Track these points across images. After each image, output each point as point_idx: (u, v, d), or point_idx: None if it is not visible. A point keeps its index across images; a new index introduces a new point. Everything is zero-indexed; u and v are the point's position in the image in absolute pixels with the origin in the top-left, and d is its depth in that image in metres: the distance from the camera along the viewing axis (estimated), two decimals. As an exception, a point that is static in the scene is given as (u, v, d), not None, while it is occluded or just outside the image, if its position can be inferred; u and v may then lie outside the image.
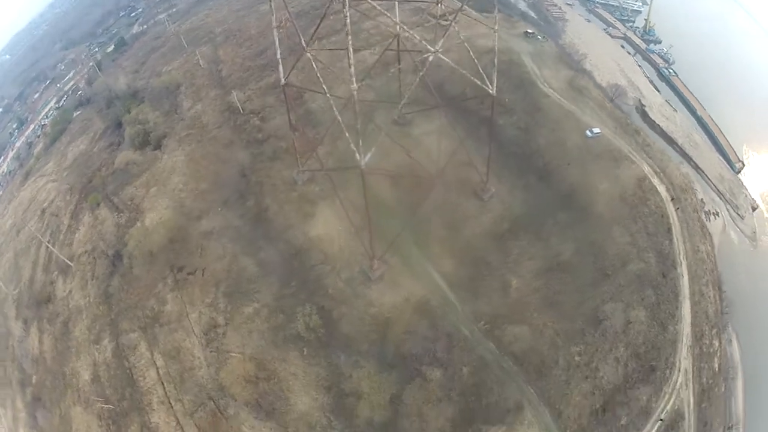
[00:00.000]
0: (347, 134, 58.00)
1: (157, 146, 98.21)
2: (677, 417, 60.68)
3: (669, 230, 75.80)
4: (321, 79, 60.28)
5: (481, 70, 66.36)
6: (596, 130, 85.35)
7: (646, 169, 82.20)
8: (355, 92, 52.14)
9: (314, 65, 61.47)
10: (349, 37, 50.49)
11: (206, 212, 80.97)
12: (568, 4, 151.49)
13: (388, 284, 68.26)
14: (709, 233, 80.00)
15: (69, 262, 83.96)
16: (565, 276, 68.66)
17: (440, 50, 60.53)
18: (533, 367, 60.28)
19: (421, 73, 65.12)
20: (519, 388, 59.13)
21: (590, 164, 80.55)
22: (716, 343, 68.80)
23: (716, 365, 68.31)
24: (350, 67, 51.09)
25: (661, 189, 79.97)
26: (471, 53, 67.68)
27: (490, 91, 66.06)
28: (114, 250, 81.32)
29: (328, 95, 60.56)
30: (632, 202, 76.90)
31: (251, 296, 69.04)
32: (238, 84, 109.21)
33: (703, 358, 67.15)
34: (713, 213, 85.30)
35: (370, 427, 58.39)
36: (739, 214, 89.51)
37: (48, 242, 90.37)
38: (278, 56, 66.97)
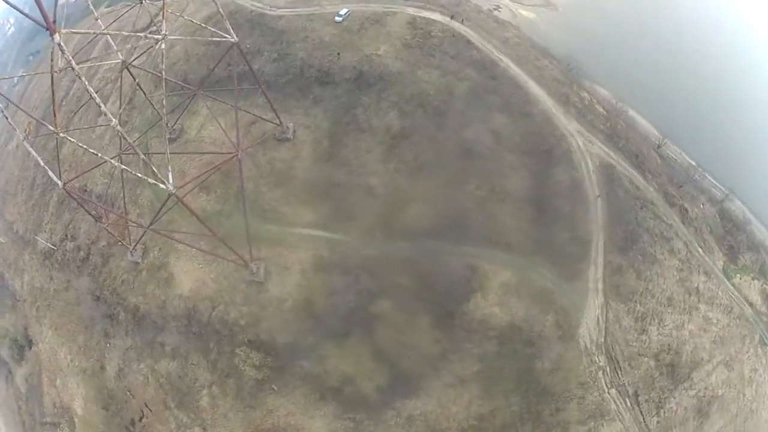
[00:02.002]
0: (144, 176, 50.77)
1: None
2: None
3: (469, 42, 74.68)
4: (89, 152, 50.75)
5: (212, 29, 59.89)
6: (344, 11, 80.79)
7: (411, 11, 78.82)
8: (118, 127, 46.02)
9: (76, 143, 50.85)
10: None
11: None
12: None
13: (277, 271, 62.76)
14: (507, 22, 79.06)
15: None
16: (412, 140, 64.85)
17: (167, 34, 51.45)
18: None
19: (162, 66, 54.18)
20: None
21: (359, 40, 76.01)
22: (585, 94, 67.95)
23: (601, 110, 65.05)
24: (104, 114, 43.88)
25: (435, 16, 77.53)
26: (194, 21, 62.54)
27: (232, 40, 58.96)
28: None
29: (109, 161, 52.34)
30: (418, 43, 74.17)
31: (197, 392, 61.90)
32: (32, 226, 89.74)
33: (586, 113, 63.93)
34: (496, 9, 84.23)
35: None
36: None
37: None
38: (42, 164, 54.70)
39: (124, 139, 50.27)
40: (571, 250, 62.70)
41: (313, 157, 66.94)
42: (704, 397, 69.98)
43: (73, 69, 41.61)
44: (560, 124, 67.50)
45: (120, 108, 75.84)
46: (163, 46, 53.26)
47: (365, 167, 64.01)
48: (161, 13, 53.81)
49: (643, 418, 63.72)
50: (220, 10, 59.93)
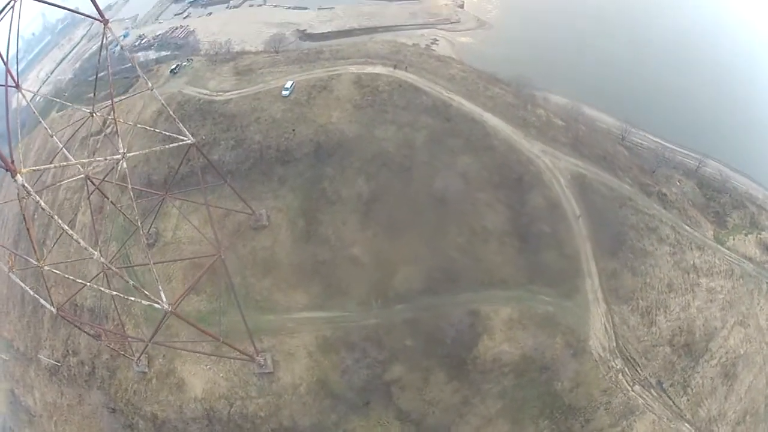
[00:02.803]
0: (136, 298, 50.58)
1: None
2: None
3: (417, 88, 77.04)
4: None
5: (168, 133, 61.98)
6: (288, 83, 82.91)
7: (354, 69, 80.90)
8: (102, 260, 46.79)
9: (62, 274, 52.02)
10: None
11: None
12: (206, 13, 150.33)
13: (284, 358, 63.43)
14: (449, 58, 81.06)
15: None
16: (384, 202, 66.86)
17: (126, 152, 52.97)
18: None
19: (129, 186, 55.71)
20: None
21: (310, 111, 77.56)
22: (541, 111, 70.81)
23: (559, 122, 67.12)
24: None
25: (379, 69, 80.00)
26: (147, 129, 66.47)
27: (189, 141, 60.60)
28: None
29: (101, 288, 53.28)
30: (368, 102, 75.87)
31: None
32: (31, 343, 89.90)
33: (546, 130, 67.35)
34: (433, 42, 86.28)
35: None
36: (453, 22, 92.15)
37: None
38: (32, 294, 54.75)
39: (111, 269, 50.17)
40: (563, 268, 64.53)
41: (291, 239, 68.43)
42: (727, 361, 71.83)
43: (42, 209, 41.88)
44: (523, 148, 69.85)
45: (93, 220, 75.58)
46: (124, 165, 53.93)
47: (345, 239, 65.62)
48: (113, 121, 55.16)
49: (672, 401, 65.43)
50: (171, 112, 62.38)
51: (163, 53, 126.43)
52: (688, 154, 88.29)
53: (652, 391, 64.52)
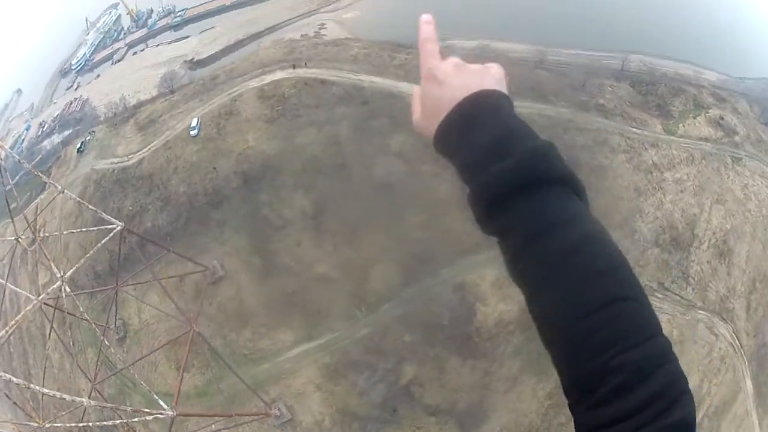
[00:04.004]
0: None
1: None
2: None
3: (323, 81, 74.14)
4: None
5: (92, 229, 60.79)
6: (194, 121, 78.67)
7: (253, 83, 77.34)
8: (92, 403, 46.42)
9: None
10: None
11: None
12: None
13: (297, 400, 60.43)
14: (345, 39, 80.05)
15: None
16: (332, 210, 64.25)
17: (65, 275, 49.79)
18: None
19: (79, 308, 52.95)
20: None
21: (224, 143, 74.08)
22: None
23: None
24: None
25: (278, 74, 77.44)
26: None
27: (118, 226, 57.05)
28: None
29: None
30: (279, 112, 72.74)
31: None
32: None
33: None
34: (321, 28, 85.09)
35: None
36: (334, 1, 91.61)
37: None
38: None
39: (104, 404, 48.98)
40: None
41: (253, 281, 65.21)
42: (717, 241, 73.07)
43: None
44: (449, 107, 68.00)
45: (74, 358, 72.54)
46: (67, 288, 52.94)
47: (305, 261, 62.59)
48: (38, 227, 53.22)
49: (679, 296, 66.22)
50: (90, 206, 58.16)
51: (66, 132, 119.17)
52: (608, 55, 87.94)
53: (657, 294, 64.68)
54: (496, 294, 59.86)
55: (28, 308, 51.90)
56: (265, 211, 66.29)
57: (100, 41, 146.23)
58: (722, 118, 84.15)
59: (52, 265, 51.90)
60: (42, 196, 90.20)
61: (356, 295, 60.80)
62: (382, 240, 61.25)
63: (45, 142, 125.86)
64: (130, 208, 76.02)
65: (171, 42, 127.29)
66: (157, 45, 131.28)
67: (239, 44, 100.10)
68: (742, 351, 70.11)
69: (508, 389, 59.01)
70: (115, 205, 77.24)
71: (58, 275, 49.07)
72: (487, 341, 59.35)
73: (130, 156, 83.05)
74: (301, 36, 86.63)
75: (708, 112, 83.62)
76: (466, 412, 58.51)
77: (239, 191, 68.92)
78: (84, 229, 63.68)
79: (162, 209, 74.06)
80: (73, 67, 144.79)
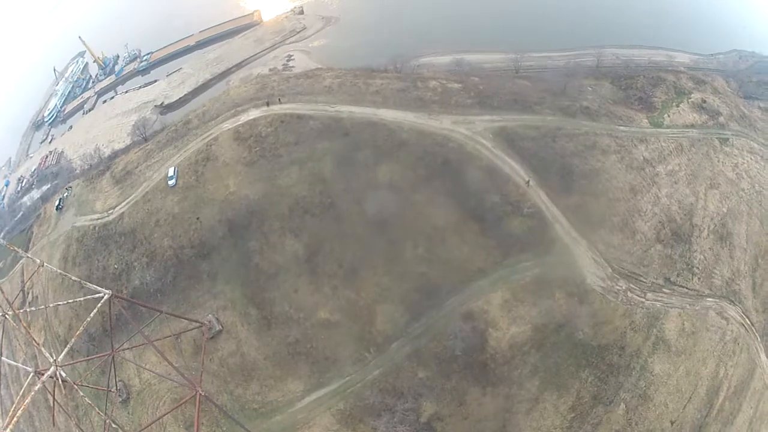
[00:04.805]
0: None
1: None
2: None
3: (300, 117, 72.30)
4: None
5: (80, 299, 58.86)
6: (171, 171, 76.30)
7: (228, 125, 76.50)
8: None
9: None
10: None
11: None
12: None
13: None
14: (317, 70, 78.74)
15: None
16: (326, 251, 62.62)
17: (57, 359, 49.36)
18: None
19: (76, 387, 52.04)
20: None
21: (205, 190, 71.94)
22: (433, 83, 69.00)
23: (456, 85, 65.47)
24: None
25: (253, 113, 75.58)
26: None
27: (106, 294, 54.69)
28: None
29: None
30: (258, 153, 71.44)
31: None
32: None
33: (447, 100, 65.56)
34: (289, 60, 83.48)
35: None
36: (300, 31, 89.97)
37: None
38: None
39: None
40: (529, 227, 62.29)
41: (253, 333, 62.89)
42: (716, 226, 72.50)
43: None
44: (434, 129, 66.04)
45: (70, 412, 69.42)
46: (62, 374, 50.99)
47: (305, 307, 60.43)
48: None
49: (686, 287, 66.36)
50: (74, 278, 56.06)
51: (45, 187, 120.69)
52: (582, 53, 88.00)
53: (664, 290, 64.52)
54: (506, 317, 58.50)
55: (29, 396, 50.36)
56: (256, 258, 63.70)
57: (69, 91, 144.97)
58: (704, 101, 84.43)
59: (44, 350, 50.43)
60: (29, 253, 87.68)
61: (363, 337, 58.49)
62: (382, 278, 59.04)
63: (25, 198, 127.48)
64: (116, 266, 73.40)
65: (140, 87, 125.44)
66: (126, 92, 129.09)
67: (208, 84, 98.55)
68: (753, 329, 69.78)
69: (531, 409, 57.73)
70: (100, 263, 74.42)
71: (51, 360, 48.25)
72: (503, 365, 57.61)
73: (110, 211, 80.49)
74: (270, 70, 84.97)
75: (690, 98, 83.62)
76: (494, 437, 56.88)
77: (227, 240, 66.28)
78: (71, 300, 61.36)
79: (148, 265, 71.29)
80: (45, 120, 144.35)
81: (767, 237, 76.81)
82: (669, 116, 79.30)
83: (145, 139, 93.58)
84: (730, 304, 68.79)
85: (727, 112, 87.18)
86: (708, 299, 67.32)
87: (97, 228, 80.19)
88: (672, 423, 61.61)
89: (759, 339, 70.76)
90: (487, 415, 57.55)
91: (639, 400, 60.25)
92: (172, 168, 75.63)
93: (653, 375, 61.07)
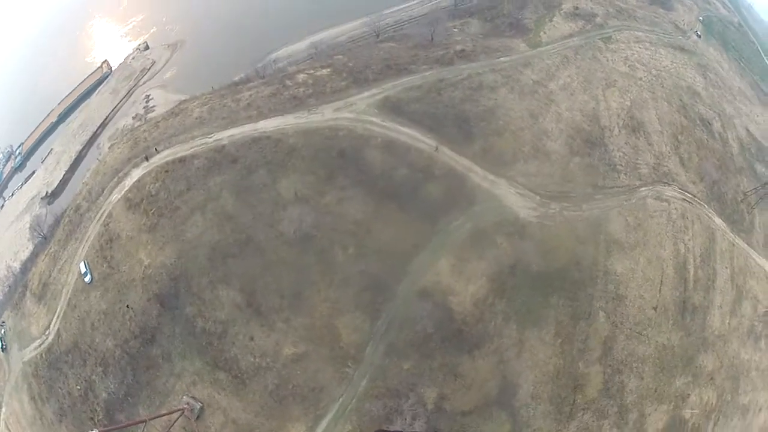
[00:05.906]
0: None
1: None
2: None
3: (182, 160, 68.89)
4: None
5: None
6: (82, 268, 71.97)
7: (115, 196, 72.32)
8: None
9: None
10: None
11: None
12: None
13: None
14: (177, 103, 75.48)
15: None
16: (265, 283, 60.05)
17: None
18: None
19: None
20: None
21: (118, 273, 68.33)
22: (302, 76, 65.00)
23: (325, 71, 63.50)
24: None
25: (135, 173, 71.49)
26: None
27: None
28: None
29: None
30: (155, 214, 67.56)
31: None
32: None
33: (325, 91, 65.81)
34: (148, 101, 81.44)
35: None
36: (150, 67, 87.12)
37: None
38: None
39: None
40: (448, 186, 63.10)
41: (233, 398, 60.89)
42: (624, 120, 75.55)
43: None
44: (319, 124, 64.45)
45: None
46: None
47: (269, 350, 59.38)
48: None
49: (616, 186, 69.66)
50: None
51: None
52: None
53: (596, 196, 68.26)
54: (459, 280, 58.17)
55: None
56: (199, 323, 60.44)
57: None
58: (577, 8, 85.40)
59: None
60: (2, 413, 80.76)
61: (336, 355, 57.32)
62: (328, 291, 57.21)
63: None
64: (78, 387, 68.88)
65: (22, 185, 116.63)
66: (12, 194, 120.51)
67: (81, 155, 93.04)
68: (696, 199, 73.32)
69: (519, 351, 59.79)
70: (63, 390, 69.39)
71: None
72: (477, 325, 58.48)
73: (46, 332, 75.64)
74: (134, 118, 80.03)
75: (561, 9, 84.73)
76: (499, 394, 58.96)
77: (163, 316, 62.78)
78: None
79: (105, 373, 67.19)
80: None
81: (679, 114, 79.28)
82: (545, 33, 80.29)
83: (45, 238, 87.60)
84: (664, 186, 71.62)
85: (603, 11, 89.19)
86: (641, 189, 69.76)
87: (43, 356, 75.24)
88: (655, 309, 65.08)
89: (707, 206, 73.98)
90: (485, 375, 58.67)
91: (614, 303, 63.20)
92: (83, 263, 70.32)
93: (618, 275, 63.80)
